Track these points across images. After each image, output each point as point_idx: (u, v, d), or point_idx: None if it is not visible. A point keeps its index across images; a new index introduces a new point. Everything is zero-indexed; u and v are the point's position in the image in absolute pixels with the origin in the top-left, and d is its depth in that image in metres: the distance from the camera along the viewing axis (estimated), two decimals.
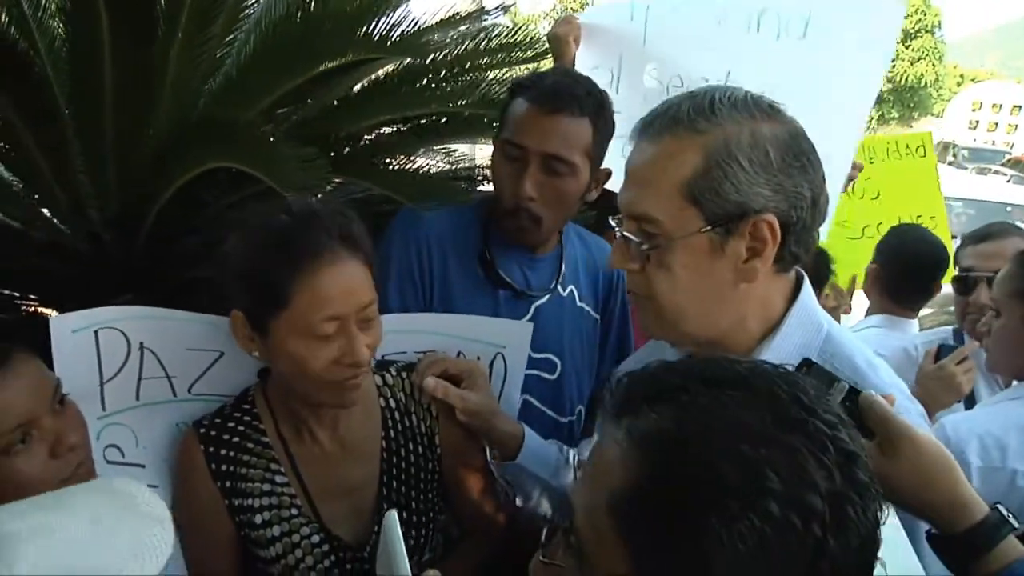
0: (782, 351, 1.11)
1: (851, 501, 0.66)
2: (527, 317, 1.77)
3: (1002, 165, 17.42)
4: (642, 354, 1.46)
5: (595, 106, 1.63)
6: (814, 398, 0.71)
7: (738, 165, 1.03)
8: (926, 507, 0.92)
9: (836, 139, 2.20)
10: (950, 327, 2.61)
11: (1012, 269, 1.80)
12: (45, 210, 1.89)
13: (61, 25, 1.67)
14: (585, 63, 2.18)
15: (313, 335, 1.24)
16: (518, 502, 1.58)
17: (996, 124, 37.44)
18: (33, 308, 1.95)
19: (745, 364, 0.75)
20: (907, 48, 33.88)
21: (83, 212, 1.76)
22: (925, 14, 34.60)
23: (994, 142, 32.36)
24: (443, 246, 1.73)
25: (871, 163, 3.43)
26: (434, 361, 1.51)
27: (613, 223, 1.17)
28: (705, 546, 0.64)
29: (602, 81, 1.83)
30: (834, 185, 1.09)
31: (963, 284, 2.45)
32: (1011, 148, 28.54)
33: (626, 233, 1.12)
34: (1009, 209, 7.70)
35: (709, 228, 1.06)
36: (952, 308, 3.38)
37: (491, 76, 2.06)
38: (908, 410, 1.05)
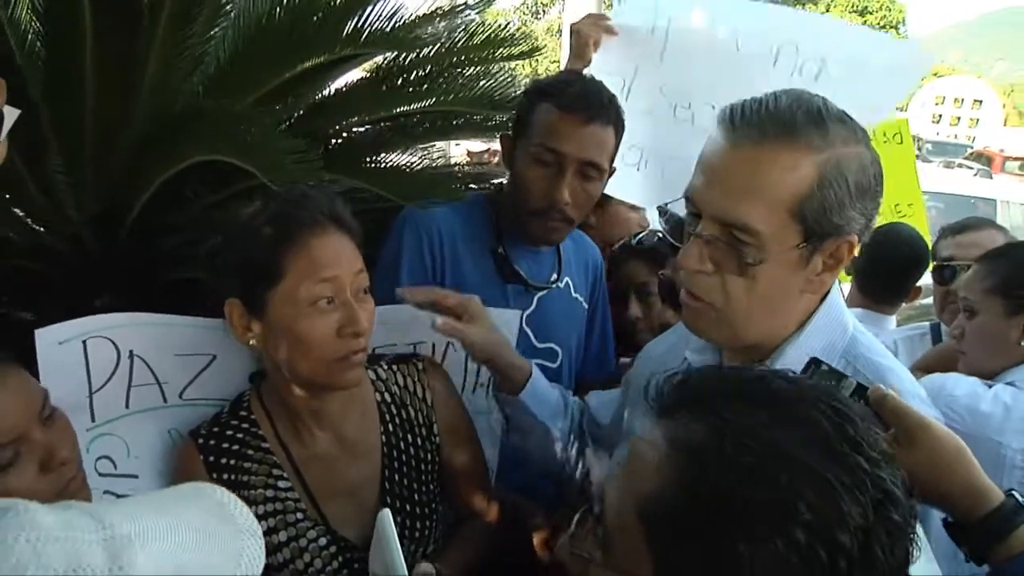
0: (804, 349, 1.12)
1: (880, 541, 0.66)
2: (531, 308, 1.85)
3: (965, 158, 17.76)
4: (673, 336, 1.46)
5: (616, 113, 1.73)
6: (862, 431, 0.70)
7: (846, 188, 1.03)
8: (944, 496, 0.93)
9: None
10: (927, 323, 2.66)
11: (984, 267, 1.82)
12: (19, 210, 1.83)
13: (34, 20, 1.62)
14: (600, 68, 2.18)
15: (311, 304, 1.25)
16: (514, 440, 1.62)
17: (958, 118, 38.16)
18: (6, 311, 1.89)
19: (797, 385, 0.74)
20: None
21: (60, 211, 1.71)
22: (890, 11, 35.16)
23: (956, 136, 32.99)
24: (453, 241, 1.78)
25: None
26: (418, 292, 1.50)
27: (681, 218, 1.15)
28: (729, 565, 0.65)
29: (613, 87, 1.85)
30: None
31: (943, 274, 2.51)
32: (972, 142, 29.09)
33: (710, 236, 1.08)
34: (973, 201, 7.83)
35: (804, 245, 1.05)
36: (926, 302, 3.44)
37: (477, 71, 2.04)
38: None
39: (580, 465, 1.66)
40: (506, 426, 1.63)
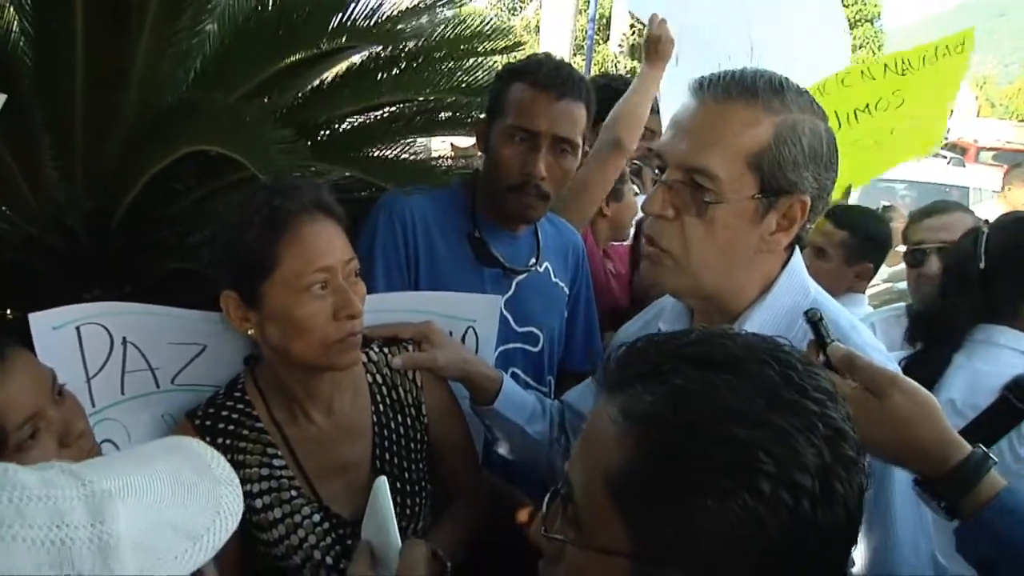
0: (772, 310, 1.21)
1: (838, 476, 0.69)
2: (510, 293, 1.86)
3: (940, 148, 17.93)
4: (647, 315, 1.52)
5: (587, 92, 1.76)
6: (803, 374, 0.73)
7: (800, 149, 1.13)
8: (916, 448, 0.95)
9: None
10: (903, 304, 2.72)
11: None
12: (9, 203, 1.83)
13: (22, 16, 1.63)
14: None
15: (307, 291, 1.29)
16: (499, 449, 1.67)
17: None
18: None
19: (739, 342, 0.76)
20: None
21: (51, 204, 1.72)
22: (865, 4, 35.39)
23: None
24: (427, 227, 1.79)
25: (903, 75, 3.41)
26: (376, 330, 1.54)
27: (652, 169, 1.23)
28: (700, 524, 0.67)
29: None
30: None
31: (915, 257, 2.60)
32: (948, 132, 29.34)
33: (673, 181, 1.18)
34: (947, 190, 7.96)
35: (760, 196, 1.14)
36: (901, 285, 3.51)
37: (458, 65, 2.06)
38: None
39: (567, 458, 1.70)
40: (491, 438, 1.68)
